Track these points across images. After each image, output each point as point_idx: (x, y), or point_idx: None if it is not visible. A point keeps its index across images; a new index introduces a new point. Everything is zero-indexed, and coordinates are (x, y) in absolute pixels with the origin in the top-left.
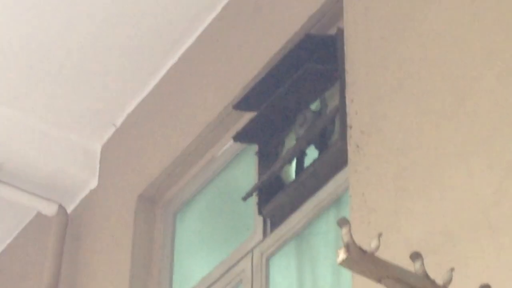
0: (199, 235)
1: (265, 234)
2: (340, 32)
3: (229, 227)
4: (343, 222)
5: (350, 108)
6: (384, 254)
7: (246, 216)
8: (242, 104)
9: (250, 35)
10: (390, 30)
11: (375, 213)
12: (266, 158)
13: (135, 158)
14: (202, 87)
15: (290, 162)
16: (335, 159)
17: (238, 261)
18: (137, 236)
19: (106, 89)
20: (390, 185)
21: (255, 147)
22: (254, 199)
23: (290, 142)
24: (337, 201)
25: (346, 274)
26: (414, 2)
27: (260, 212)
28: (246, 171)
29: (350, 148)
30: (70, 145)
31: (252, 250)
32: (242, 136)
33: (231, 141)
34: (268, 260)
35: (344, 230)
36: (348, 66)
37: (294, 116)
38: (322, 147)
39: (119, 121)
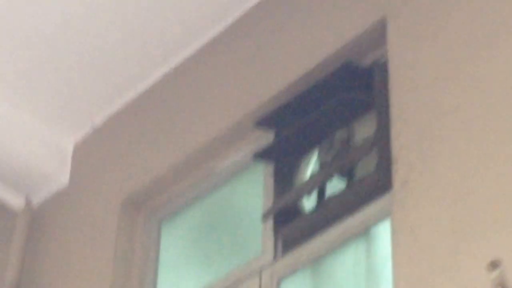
0: (189, 249)
1: (276, 255)
2: (378, 64)
3: (225, 244)
4: (495, 264)
5: (396, 142)
6: None
7: (247, 234)
8: (263, 122)
9: (274, 49)
10: (440, 64)
11: (429, 252)
12: (282, 180)
13: (119, 161)
14: (208, 97)
15: (315, 187)
16: (366, 191)
17: (243, 280)
18: (119, 243)
19: (89, 85)
20: (445, 224)
21: (259, 166)
22: (258, 220)
23: (307, 166)
24: (365, 233)
25: None
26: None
27: (276, 234)
28: (250, 189)
29: (396, 184)
30: (42, 138)
31: (260, 271)
32: (262, 155)
33: (235, 157)
34: (279, 282)
35: (497, 272)
36: (393, 100)
37: (318, 141)
38: (350, 177)
39: (98, 120)
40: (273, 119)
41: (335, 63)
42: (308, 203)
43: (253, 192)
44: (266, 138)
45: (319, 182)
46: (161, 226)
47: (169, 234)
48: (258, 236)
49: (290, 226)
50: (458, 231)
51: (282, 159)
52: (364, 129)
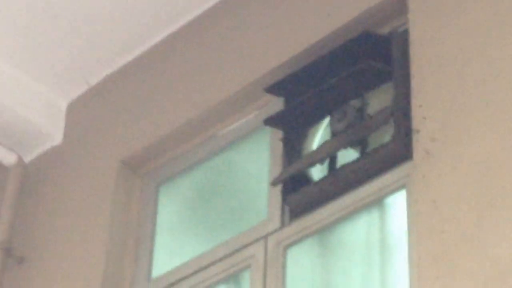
0: (188, 214)
1: (283, 222)
2: (397, 33)
3: (227, 209)
4: None
5: (417, 113)
6: (465, 266)
7: (252, 200)
8: (274, 88)
9: (290, 13)
10: (464, 31)
11: (452, 224)
12: (291, 147)
13: (116, 122)
14: (216, 60)
15: (327, 155)
16: (381, 161)
17: (247, 246)
18: (115, 205)
19: (86, 45)
20: (470, 196)
21: (266, 131)
22: (264, 185)
23: (317, 134)
24: (378, 203)
25: (374, 276)
26: None
27: (284, 200)
28: (256, 155)
29: (418, 154)
30: (36, 96)
31: (266, 237)
32: (272, 120)
33: (240, 122)
34: (286, 249)
35: None
36: (414, 69)
37: (330, 110)
38: (363, 147)
39: (94, 81)
40: (284, 85)
41: (352, 31)
42: (318, 171)
43: (259, 157)
44: (274, 104)
45: (331, 151)
46: (159, 190)
47: (168, 198)
48: (264, 202)
49: (299, 193)
50: (483, 203)
51: (292, 126)
52: (379, 100)
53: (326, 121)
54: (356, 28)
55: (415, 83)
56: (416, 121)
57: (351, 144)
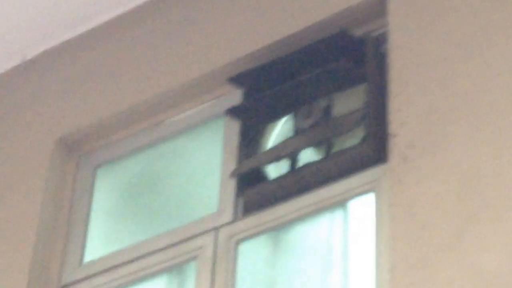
0: (128, 201)
1: (235, 216)
2: (372, 36)
3: (171, 199)
4: None
5: (395, 117)
6: (442, 275)
7: (199, 191)
8: (238, 79)
9: (260, 4)
10: (445, 35)
11: (431, 232)
12: (248, 141)
13: (54, 98)
14: (173, 44)
15: (289, 152)
16: (348, 163)
17: (195, 237)
18: (49, 185)
19: (28, 16)
20: (449, 204)
21: (218, 122)
22: (215, 177)
23: (275, 130)
24: (341, 205)
25: (332, 279)
26: None
27: (240, 194)
28: (206, 145)
29: (394, 158)
30: None
31: (217, 229)
32: (234, 112)
33: (191, 110)
34: (237, 244)
35: None
36: (393, 74)
37: (294, 107)
38: (328, 147)
39: (31, 54)
40: (249, 77)
41: (326, 29)
42: (273, 169)
43: (211, 148)
44: (231, 96)
45: (297, 147)
46: (96, 173)
47: (106, 183)
48: (214, 194)
49: (257, 188)
50: (463, 211)
51: (252, 120)
52: (345, 102)
53: (286, 118)
54: (330, 27)
55: (393, 86)
56: (394, 125)
57: (317, 143)
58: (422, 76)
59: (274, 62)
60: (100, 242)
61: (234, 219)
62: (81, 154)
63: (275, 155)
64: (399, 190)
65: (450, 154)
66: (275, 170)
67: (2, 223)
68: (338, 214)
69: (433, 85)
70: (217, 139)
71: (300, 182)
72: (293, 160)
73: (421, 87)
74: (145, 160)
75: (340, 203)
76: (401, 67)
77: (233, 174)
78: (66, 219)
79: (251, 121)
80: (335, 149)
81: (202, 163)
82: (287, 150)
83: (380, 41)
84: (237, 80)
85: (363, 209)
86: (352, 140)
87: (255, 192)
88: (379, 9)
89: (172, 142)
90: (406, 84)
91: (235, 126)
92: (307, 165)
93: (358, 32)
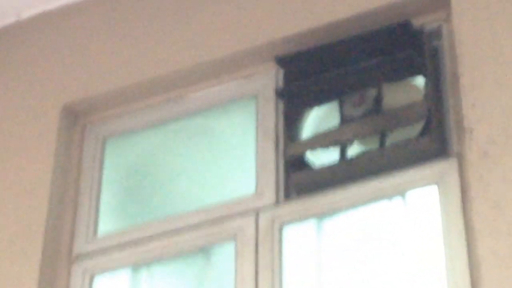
0: (144, 175)
1: (279, 199)
2: (432, 28)
3: (192, 176)
4: None
5: (470, 112)
6: None
7: (227, 170)
8: (285, 60)
9: None
10: None
11: None
12: (290, 123)
13: (63, 61)
14: (208, 15)
15: (355, 138)
16: (406, 155)
17: (231, 217)
18: (58, 153)
19: None
20: None
21: (249, 101)
22: (249, 157)
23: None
24: (398, 196)
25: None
26: None
27: (288, 177)
28: (232, 124)
29: (472, 154)
30: None
31: (259, 211)
32: (282, 93)
33: (219, 87)
34: (281, 228)
35: None
36: (464, 69)
37: (339, 94)
38: (382, 137)
39: (25, 15)
40: (296, 60)
41: (383, 17)
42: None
43: (239, 127)
44: (264, 76)
45: (354, 134)
46: (106, 144)
47: (118, 155)
48: (248, 174)
49: (306, 173)
50: None
51: (296, 103)
52: (394, 93)
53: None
54: (388, 15)
55: (466, 81)
56: (469, 121)
57: (374, 133)
58: (498, 70)
59: (322, 47)
60: (115, 215)
61: (278, 202)
62: (87, 123)
63: (331, 140)
64: (481, 186)
65: None
66: (316, 157)
67: (11, 190)
68: (394, 205)
69: (506, 79)
70: (248, 118)
71: (354, 171)
72: (343, 148)
73: (498, 82)
74: (164, 135)
75: (399, 194)
76: (473, 61)
77: (285, 156)
78: (75, 189)
79: (295, 104)
80: (390, 140)
81: (231, 142)
82: (346, 136)
83: (439, 34)
84: (283, 60)
85: (420, 201)
86: (406, 132)
87: (305, 176)
88: (440, 1)
89: (196, 118)
90: (481, 78)
91: (269, 107)
92: (362, 154)
93: (417, 22)
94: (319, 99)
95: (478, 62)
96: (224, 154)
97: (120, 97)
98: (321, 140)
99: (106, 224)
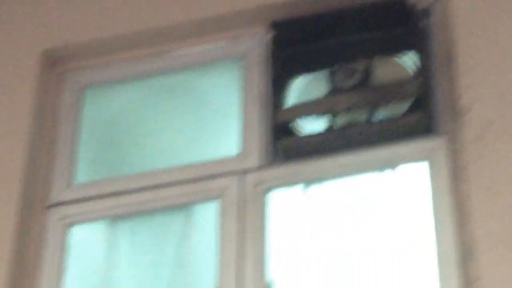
0: (124, 128)
1: (265, 162)
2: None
3: (174, 133)
4: None
5: (467, 93)
6: None
7: (209, 129)
8: (282, 25)
9: None
10: None
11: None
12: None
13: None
14: None
15: (350, 108)
16: (398, 129)
17: (216, 177)
18: (34, 97)
19: None
20: None
21: (235, 63)
22: (233, 119)
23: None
24: (387, 169)
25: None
26: None
27: (276, 142)
28: (216, 84)
29: (468, 134)
30: None
31: (244, 173)
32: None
33: (205, 46)
34: (267, 191)
35: None
36: (459, 51)
37: (331, 64)
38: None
39: None
40: (291, 25)
41: None
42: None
43: (223, 88)
44: (253, 39)
45: (347, 104)
46: (84, 94)
47: (97, 106)
48: (232, 136)
49: (295, 138)
50: None
51: (285, 68)
52: (383, 68)
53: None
54: None
55: (462, 62)
56: (466, 101)
57: (367, 105)
58: (495, 52)
59: (317, 16)
60: (94, 166)
61: (264, 165)
62: (66, 70)
63: (324, 108)
64: (476, 167)
65: None
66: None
67: None
68: (384, 177)
69: (507, 65)
70: (234, 79)
71: (343, 141)
72: (333, 118)
73: (494, 65)
74: (147, 89)
75: (389, 166)
76: (469, 43)
77: (275, 120)
78: (52, 136)
79: (285, 70)
80: (378, 115)
81: (215, 102)
82: (339, 106)
83: (430, 12)
84: (278, 25)
85: (410, 176)
86: (395, 108)
87: (293, 142)
88: None
89: (180, 75)
90: (478, 60)
91: (256, 70)
92: (353, 125)
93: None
94: (310, 67)
95: (475, 44)
96: (207, 113)
97: (102, 47)
98: (313, 108)
99: (84, 175)
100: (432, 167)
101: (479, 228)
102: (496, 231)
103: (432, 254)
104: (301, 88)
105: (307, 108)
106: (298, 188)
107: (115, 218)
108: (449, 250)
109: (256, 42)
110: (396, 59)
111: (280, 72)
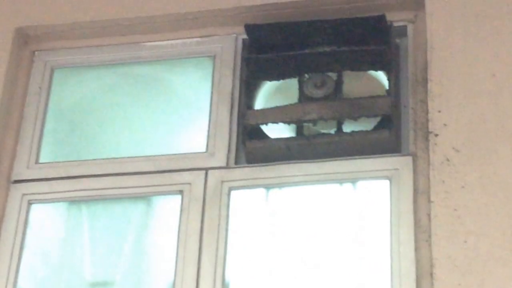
0: (93, 112)
1: (228, 163)
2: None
3: (141, 122)
4: None
5: (436, 117)
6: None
7: (176, 124)
8: (255, 28)
9: None
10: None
11: (475, 235)
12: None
13: None
14: None
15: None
16: (365, 145)
17: (179, 171)
18: (4, 72)
19: None
20: (496, 217)
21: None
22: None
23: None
24: (349, 183)
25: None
26: None
27: (243, 143)
28: (187, 80)
29: (436, 157)
30: None
31: (207, 170)
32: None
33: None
34: (230, 191)
35: None
36: (432, 74)
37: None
38: (339, 123)
39: None
40: (265, 31)
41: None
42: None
43: (194, 84)
44: (227, 40)
45: (319, 115)
46: (53, 74)
47: (66, 86)
48: (200, 133)
49: (262, 142)
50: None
51: (257, 72)
52: (353, 82)
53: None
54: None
55: (434, 86)
56: (434, 125)
57: (340, 117)
58: (467, 79)
59: (292, 24)
60: (59, 147)
61: (229, 165)
62: (37, 50)
63: (293, 117)
64: (442, 189)
65: (496, 166)
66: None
67: None
68: (344, 190)
69: (478, 93)
70: (203, 77)
71: (309, 149)
72: (301, 125)
73: (467, 93)
74: (116, 77)
75: (350, 180)
76: (442, 67)
77: (244, 123)
78: (19, 113)
79: (257, 74)
80: (346, 128)
81: (184, 98)
82: (308, 116)
83: (404, 33)
84: (252, 29)
85: (371, 193)
86: (363, 123)
87: (260, 145)
88: (415, 4)
89: (150, 67)
90: (449, 85)
91: (226, 70)
92: (321, 135)
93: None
94: (281, 73)
95: (448, 68)
96: (177, 107)
97: (77, 31)
98: (283, 114)
99: (49, 155)
100: (393, 186)
101: (439, 250)
102: (456, 255)
103: (387, 272)
104: (271, 93)
105: (277, 114)
106: (260, 191)
107: (76, 201)
108: (407, 269)
109: (230, 42)
110: (368, 74)
111: (251, 75)
